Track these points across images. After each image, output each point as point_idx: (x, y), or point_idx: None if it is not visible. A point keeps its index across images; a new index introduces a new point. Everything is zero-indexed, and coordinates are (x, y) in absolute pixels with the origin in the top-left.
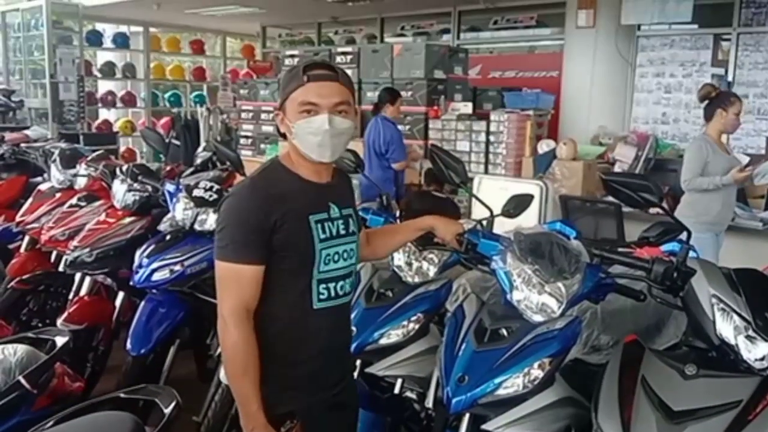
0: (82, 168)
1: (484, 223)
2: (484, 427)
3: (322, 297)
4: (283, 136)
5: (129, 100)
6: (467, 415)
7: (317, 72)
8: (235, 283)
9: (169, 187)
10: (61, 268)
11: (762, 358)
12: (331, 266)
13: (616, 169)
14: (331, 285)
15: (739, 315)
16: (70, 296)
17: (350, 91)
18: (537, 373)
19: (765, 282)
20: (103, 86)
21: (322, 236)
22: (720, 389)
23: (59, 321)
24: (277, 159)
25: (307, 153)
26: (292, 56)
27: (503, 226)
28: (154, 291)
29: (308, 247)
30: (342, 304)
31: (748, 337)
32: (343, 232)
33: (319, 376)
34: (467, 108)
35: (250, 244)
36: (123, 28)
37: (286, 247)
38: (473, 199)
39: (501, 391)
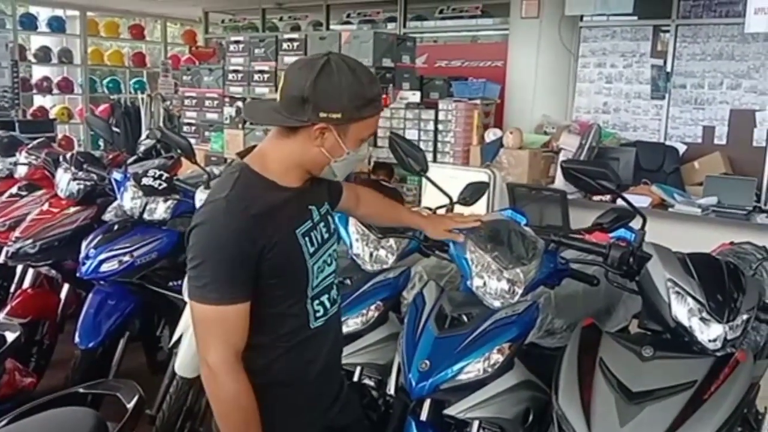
0: (22, 156)
1: (444, 210)
2: (445, 411)
3: (318, 314)
4: (292, 130)
5: (65, 87)
6: (428, 401)
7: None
8: (221, 328)
9: (116, 175)
10: (1, 260)
11: (715, 339)
12: (321, 278)
13: (561, 157)
14: (324, 298)
15: (694, 298)
16: (12, 289)
17: None
18: (497, 357)
19: (717, 266)
20: (38, 72)
21: (311, 249)
22: (676, 370)
23: (1, 315)
24: (245, 165)
25: (336, 174)
26: (237, 42)
27: None
28: (102, 283)
29: (301, 267)
30: (335, 314)
31: (702, 319)
32: (326, 235)
33: (321, 397)
34: (415, 97)
35: (236, 280)
36: (59, 12)
37: (277, 273)
38: (423, 188)
39: (462, 376)
